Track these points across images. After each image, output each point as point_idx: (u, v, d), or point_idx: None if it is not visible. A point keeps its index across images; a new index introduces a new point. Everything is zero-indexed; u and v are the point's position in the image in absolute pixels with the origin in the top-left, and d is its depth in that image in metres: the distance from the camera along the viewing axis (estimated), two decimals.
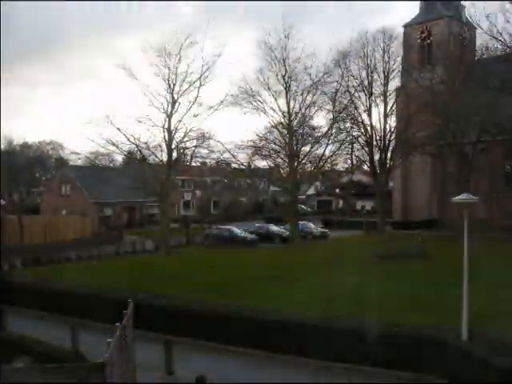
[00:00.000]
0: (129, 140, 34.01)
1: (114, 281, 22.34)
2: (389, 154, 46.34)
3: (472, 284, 12.12)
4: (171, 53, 33.85)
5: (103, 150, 34.97)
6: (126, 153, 37.06)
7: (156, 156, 35.94)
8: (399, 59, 47.53)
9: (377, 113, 46.66)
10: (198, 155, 39.38)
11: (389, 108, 46.13)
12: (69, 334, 14.39)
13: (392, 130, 46.38)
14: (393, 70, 45.83)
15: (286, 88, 38.10)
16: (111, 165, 39.89)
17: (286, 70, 37.88)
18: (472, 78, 36.59)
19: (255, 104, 38.27)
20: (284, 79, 38.01)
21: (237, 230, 40.76)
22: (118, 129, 33.17)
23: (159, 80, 34.43)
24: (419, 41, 53.05)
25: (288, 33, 37.53)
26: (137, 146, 34.68)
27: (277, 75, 38.08)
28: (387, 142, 46.12)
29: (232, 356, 14.35)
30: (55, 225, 42.12)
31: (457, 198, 12.10)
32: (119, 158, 42.84)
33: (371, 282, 20.13)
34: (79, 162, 43.28)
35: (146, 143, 34.73)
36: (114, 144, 33.63)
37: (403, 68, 48.00)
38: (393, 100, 46.41)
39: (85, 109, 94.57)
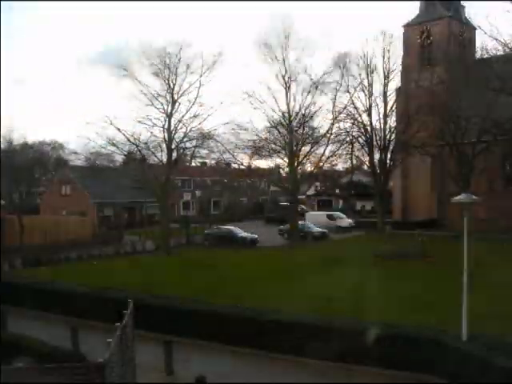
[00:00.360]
0: (129, 140, 34.04)
1: (114, 281, 22.34)
2: (389, 154, 46.32)
3: (472, 284, 12.13)
4: (171, 53, 33.87)
5: (103, 150, 34.98)
6: (125, 153, 37.04)
7: (156, 156, 35.94)
8: (399, 59, 47.56)
9: (377, 113, 46.61)
10: (197, 155, 39.31)
11: (389, 108, 46.09)
12: (69, 334, 14.40)
13: (392, 130, 46.36)
14: (393, 70, 45.86)
15: (286, 88, 38.07)
16: (111, 165, 39.76)
17: (286, 70, 37.86)
18: (472, 78, 36.61)
19: (255, 104, 38.27)
20: (284, 79, 37.99)
21: (237, 231, 40.78)
22: (118, 129, 33.20)
23: (159, 80, 34.40)
24: (419, 41, 53.00)
25: (288, 33, 37.54)
26: (137, 146, 34.68)
27: (277, 75, 38.08)
28: (387, 142, 46.10)
29: (232, 356, 14.34)
30: (55, 225, 42.11)
31: (456, 198, 12.10)
32: (119, 158, 42.84)
33: (371, 282, 20.16)
34: (79, 162, 43.25)
35: (146, 143, 34.72)
36: (114, 144, 33.64)
37: (403, 68, 47.97)
38: (393, 100, 46.40)
39: (85, 108, 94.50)
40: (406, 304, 17.44)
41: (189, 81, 34.45)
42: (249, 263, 29.16)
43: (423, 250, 29.25)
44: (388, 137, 46.05)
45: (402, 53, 48.94)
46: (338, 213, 50.50)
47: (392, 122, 46.55)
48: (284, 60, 37.61)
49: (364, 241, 39.76)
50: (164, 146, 35.08)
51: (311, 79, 38.42)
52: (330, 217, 49.71)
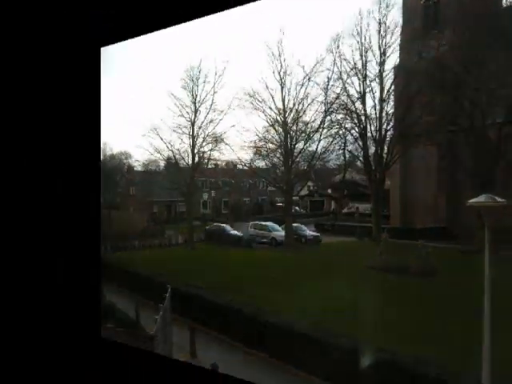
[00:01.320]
0: (167, 147, 40.36)
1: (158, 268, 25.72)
2: (385, 147, 39.12)
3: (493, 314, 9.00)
4: (193, 66, 38.75)
5: (152, 157, 42.99)
6: (166, 159, 44.08)
7: (184, 160, 42.02)
8: (397, 31, 37.56)
9: (372, 98, 38.87)
10: (212, 158, 44.10)
11: (385, 91, 37.96)
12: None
13: (389, 117, 38.54)
14: (390, 46, 37.01)
15: (281, 84, 37.70)
16: (157, 169, 51.93)
17: (281, 66, 37.28)
18: (497, 34, 27.36)
19: (255, 104, 38.04)
20: (280, 75, 37.43)
21: (229, 228, 43.11)
22: (161, 138, 39.33)
23: (186, 92, 39.58)
24: (422, 1, 39.08)
25: (283, 27, 37.78)
26: (172, 152, 41.00)
27: (273, 72, 37.51)
28: (384, 131, 38.64)
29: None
30: (119, 218, 48.79)
31: (474, 199, 9.40)
32: (162, 164, 52.40)
33: (364, 301, 17.70)
34: (138, 168, 54.69)
35: (178, 149, 41.00)
36: (158, 152, 40.53)
37: (402, 39, 37.20)
38: (390, 81, 37.73)
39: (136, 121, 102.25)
40: (405, 332, 14.91)
41: (206, 89, 39.15)
42: (248, 261, 31.09)
43: (427, 265, 23.44)
44: (385, 126, 38.60)
45: (401, 22, 37.72)
46: (273, 224, 43.33)
47: (389, 107, 38.45)
48: (280, 55, 36.79)
49: (357, 248, 34.14)
50: (189, 150, 41.02)
51: (304, 71, 36.94)
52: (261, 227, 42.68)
